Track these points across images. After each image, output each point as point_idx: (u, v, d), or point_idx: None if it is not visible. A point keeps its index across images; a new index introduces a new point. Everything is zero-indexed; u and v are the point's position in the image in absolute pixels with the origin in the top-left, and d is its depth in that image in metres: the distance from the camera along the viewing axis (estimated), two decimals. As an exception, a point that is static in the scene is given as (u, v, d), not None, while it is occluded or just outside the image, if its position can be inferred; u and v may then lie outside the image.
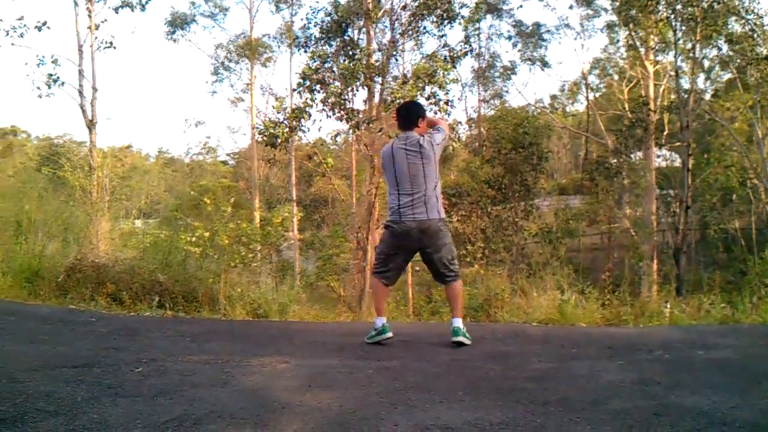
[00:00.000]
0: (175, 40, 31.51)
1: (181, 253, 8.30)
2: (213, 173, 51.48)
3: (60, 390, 3.79)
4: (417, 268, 26.39)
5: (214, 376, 4.20)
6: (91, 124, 16.66)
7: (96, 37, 17.29)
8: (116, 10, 18.03)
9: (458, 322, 5.45)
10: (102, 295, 7.49)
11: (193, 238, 8.29)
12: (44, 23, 16.81)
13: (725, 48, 21.46)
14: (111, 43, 17.35)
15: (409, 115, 5.64)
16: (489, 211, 21.56)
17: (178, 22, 31.26)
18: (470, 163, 23.71)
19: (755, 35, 19.40)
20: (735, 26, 19.71)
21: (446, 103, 15.15)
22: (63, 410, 3.44)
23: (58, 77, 16.48)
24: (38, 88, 16.58)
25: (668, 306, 7.59)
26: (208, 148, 52.11)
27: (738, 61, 21.29)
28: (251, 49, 32.39)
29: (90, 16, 17.15)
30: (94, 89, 16.91)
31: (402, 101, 14.46)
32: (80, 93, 16.76)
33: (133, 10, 18.26)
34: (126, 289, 7.53)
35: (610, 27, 29.33)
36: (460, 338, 5.36)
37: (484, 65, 30.46)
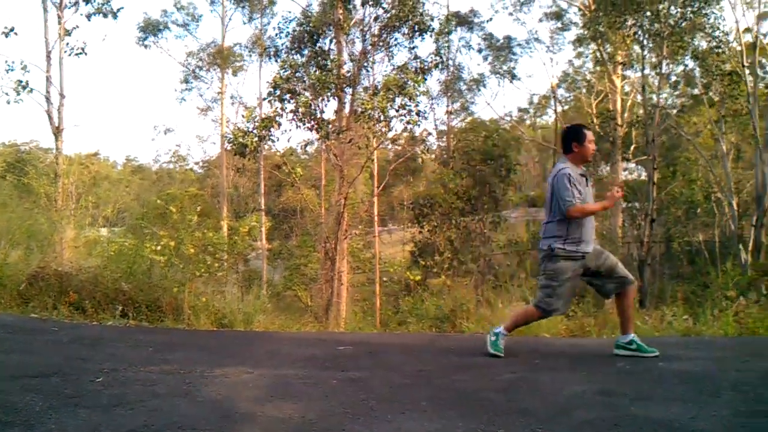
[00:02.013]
0: (146, 47, 31.28)
1: (145, 262, 8.22)
2: (182, 181, 51.06)
3: (18, 400, 3.72)
4: (385, 279, 26.44)
5: (175, 387, 4.16)
6: (57, 131, 16.46)
7: (67, 44, 17.12)
8: (88, 17, 17.85)
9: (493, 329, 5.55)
10: (64, 304, 7.39)
11: (158, 247, 8.22)
12: (12, 29, 16.63)
13: (691, 64, 21.80)
14: (82, 49, 17.20)
15: (562, 140, 5.60)
16: (457, 223, 21.65)
17: (151, 29, 31.04)
18: (443, 175, 23.81)
19: (720, 51, 19.73)
20: (701, 43, 20.05)
21: (417, 114, 15.19)
22: (20, 420, 3.39)
23: (27, 84, 16.30)
24: (6, 94, 16.39)
25: (631, 318, 7.66)
26: (178, 156, 51.70)
27: (704, 80, 21.64)
28: (222, 58, 32.29)
29: (60, 23, 16.99)
30: (62, 96, 16.72)
31: (372, 111, 14.51)
32: (47, 99, 16.57)
33: (105, 17, 18.10)
34: (89, 298, 7.44)
35: (579, 41, 29.64)
36: (487, 348, 5.44)
37: (450, 77, 30.58)
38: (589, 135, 5.38)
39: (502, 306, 7.57)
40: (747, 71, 21.03)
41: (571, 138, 5.43)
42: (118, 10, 18.25)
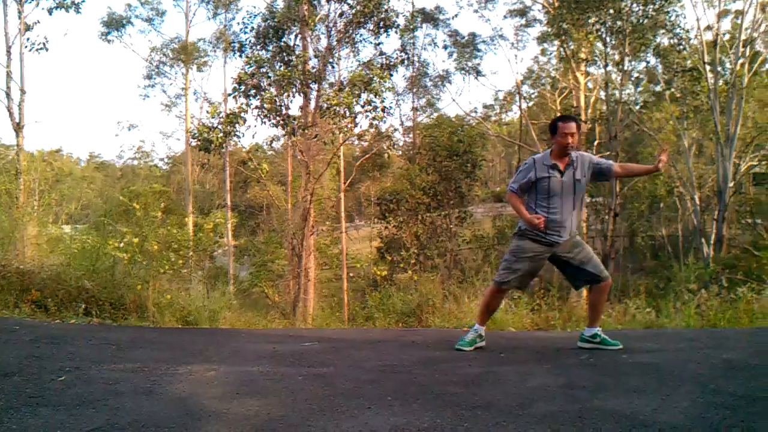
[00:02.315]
0: (109, 41, 31.01)
1: (108, 260, 8.12)
2: (146, 178, 50.61)
3: (-22, 400, 3.67)
4: (352, 275, 26.44)
5: (139, 385, 4.12)
6: (18, 127, 16.20)
7: (28, 39, 16.83)
8: (50, 11, 17.56)
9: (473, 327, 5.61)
10: (26, 302, 7.28)
11: (121, 244, 8.13)
12: (-31, 23, 16.34)
13: (653, 61, 22.11)
14: (44, 44, 16.91)
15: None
16: (424, 218, 21.70)
17: (114, 24, 30.73)
18: (409, 170, 23.87)
19: (682, 48, 20.03)
20: (663, 40, 20.34)
21: (383, 110, 15.19)
22: (-21, 421, 3.34)
23: (-14, 79, 15.98)
24: (-35, 89, 16.08)
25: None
26: (142, 152, 51.25)
27: (666, 76, 21.95)
28: (186, 54, 32.02)
29: (20, 17, 16.71)
30: (22, 91, 16.45)
31: (337, 107, 14.47)
32: (7, 95, 16.29)
33: (68, 11, 17.82)
34: (51, 296, 7.33)
35: (544, 37, 29.83)
36: (457, 345, 5.49)
37: (415, 73, 30.66)
38: (563, 127, 5.34)
39: (468, 301, 7.60)
40: (708, 68, 21.38)
41: (550, 131, 5.52)
42: (81, 3, 17.99)
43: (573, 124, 5.40)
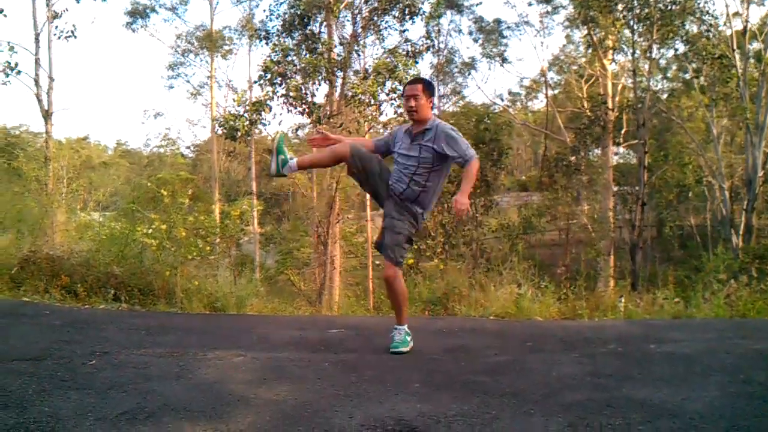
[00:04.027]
0: (134, 30, 31.21)
1: (137, 246, 8.20)
2: (172, 165, 50.85)
3: (11, 383, 3.72)
4: (378, 263, 26.45)
5: (168, 370, 4.16)
6: (47, 115, 16.41)
7: (57, 26, 17.01)
8: (77, -1, 17.73)
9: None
10: (56, 288, 7.37)
11: (150, 230, 8.19)
12: (1, 10, 16.51)
13: (682, 48, 21.83)
14: (72, 32, 17.07)
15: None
16: (449, 207, 21.64)
17: (138, 13, 30.91)
18: (434, 159, 23.78)
19: (710, 35, 19.77)
20: (692, 27, 20.07)
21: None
22: (13, 403, 3.38)
23: (16, 65, 16.13)
24: (-5, 75, 16.25)
25: (623, 301, 7.71)
26: (168, 140, 51.46)
27: (694, 63, 21.66)
28: (211, 41, 32.08)
29: (48, 5, 16.88)
30: (51, 79, 16.65)
31: (362, 95, 14.44)
32: (36, 83, 16.50)
33: (95, 0, 18.00)
34: (81, 281, 7.41)
35: (570, 23, 29.51)
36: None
37: (443, 60, 30.50)
38: (404, 90, 5.24)
39: (494, 289, 7.58)
40: (737, 56, 21.07)
41: None
42: (108, -9, 18.17)
43: (413, 86, 5.12)
